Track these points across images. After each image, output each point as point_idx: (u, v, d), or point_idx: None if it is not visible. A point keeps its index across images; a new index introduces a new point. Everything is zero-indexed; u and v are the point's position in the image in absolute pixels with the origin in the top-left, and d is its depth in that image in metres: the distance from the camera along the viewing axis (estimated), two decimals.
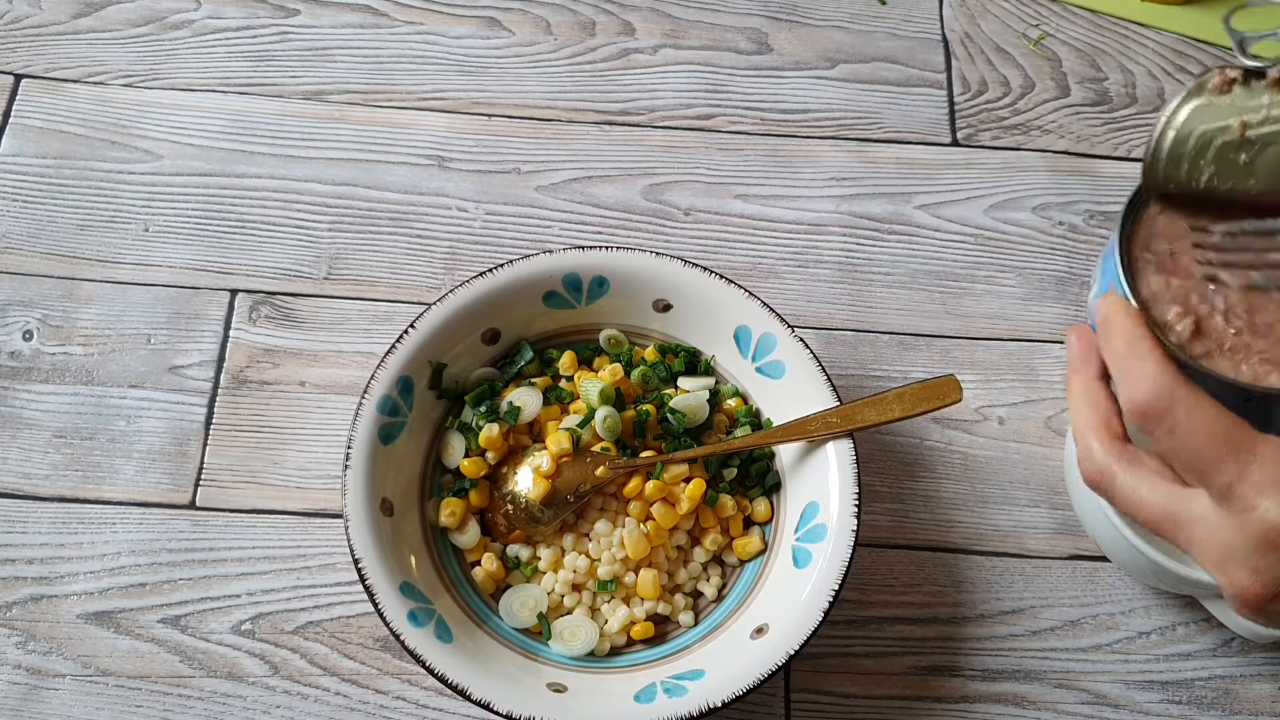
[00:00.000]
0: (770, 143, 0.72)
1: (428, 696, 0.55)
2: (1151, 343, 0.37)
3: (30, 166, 0.68)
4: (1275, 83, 0.39)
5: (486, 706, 0.48)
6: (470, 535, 0.56)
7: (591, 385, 0.57)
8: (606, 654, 0.55)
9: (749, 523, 0.58)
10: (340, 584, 0.58)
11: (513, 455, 0.57)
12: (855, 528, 0.52)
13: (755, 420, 0.59)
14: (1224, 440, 0.35)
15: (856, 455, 0.54)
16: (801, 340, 0.57)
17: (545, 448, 0.56)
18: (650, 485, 0.55)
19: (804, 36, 0.76)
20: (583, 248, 0.59)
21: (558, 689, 0.51)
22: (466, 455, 0.57)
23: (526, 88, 0.73)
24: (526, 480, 0.56)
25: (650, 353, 0.60)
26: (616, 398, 0.57)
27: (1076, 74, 0.76)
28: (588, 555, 0.55)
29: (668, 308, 0.60)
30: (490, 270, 0.58)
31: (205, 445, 0.61)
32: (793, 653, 0.50)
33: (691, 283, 0.59)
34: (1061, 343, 0.66)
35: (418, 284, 0.66)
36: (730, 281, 0.58)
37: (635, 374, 0.59)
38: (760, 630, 0.52)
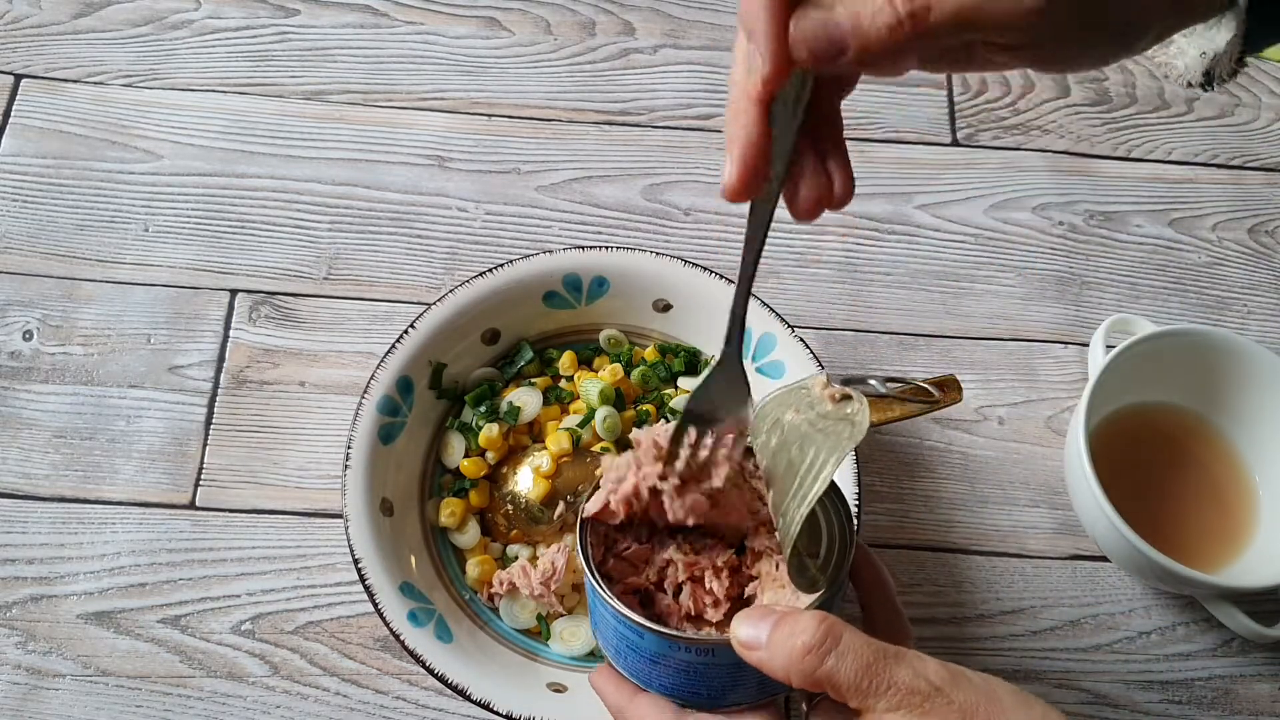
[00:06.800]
0: None
1: (428, 696, 0.55)
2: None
3: (30, 166, 0.68)
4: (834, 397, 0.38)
5: (486, 706, 0.48)
6: (470, 535, 0.56)
7: (591, 385, 0.57)
8: None
9: None
10: (340, 584, 0.58)
11: (513, 455, 0.57)
12: (855, 528, 0.52)
13: None
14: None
15: (856, 455, 0.54)
16: (801, 340, 0.57)
17: (545, 448, 0.56)
18: None
19: None
20: (583, 248, 0.59)
21: (558, 689, 0.51)
22: (466, 455, 0.57)
23: (526, 88, 0.73)
24: (526, 480, 0.56)
25: (650, 353, 0.60)
26: (616, 398, 0.57)
27: (1076, 74, 0.76)
28: None
29: (668, 308, 0.60)
30: (490, 270, 0.58)
31: (205, 445, 0.61)
32: None
33: (691, 283, 0.59)
34: (1063, 343, 0.66)
35: (418, 284, 0.66)
36: (730, 281, 0.58)
37: (635, 374, 0.58)
38: None
